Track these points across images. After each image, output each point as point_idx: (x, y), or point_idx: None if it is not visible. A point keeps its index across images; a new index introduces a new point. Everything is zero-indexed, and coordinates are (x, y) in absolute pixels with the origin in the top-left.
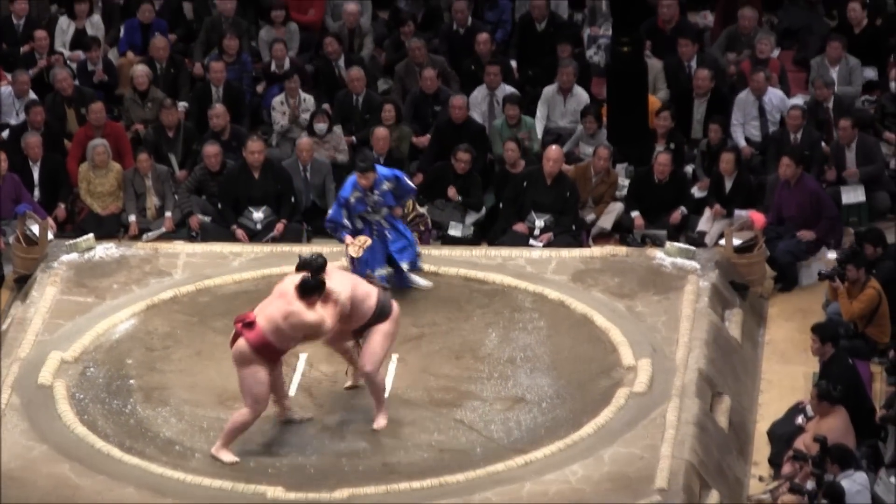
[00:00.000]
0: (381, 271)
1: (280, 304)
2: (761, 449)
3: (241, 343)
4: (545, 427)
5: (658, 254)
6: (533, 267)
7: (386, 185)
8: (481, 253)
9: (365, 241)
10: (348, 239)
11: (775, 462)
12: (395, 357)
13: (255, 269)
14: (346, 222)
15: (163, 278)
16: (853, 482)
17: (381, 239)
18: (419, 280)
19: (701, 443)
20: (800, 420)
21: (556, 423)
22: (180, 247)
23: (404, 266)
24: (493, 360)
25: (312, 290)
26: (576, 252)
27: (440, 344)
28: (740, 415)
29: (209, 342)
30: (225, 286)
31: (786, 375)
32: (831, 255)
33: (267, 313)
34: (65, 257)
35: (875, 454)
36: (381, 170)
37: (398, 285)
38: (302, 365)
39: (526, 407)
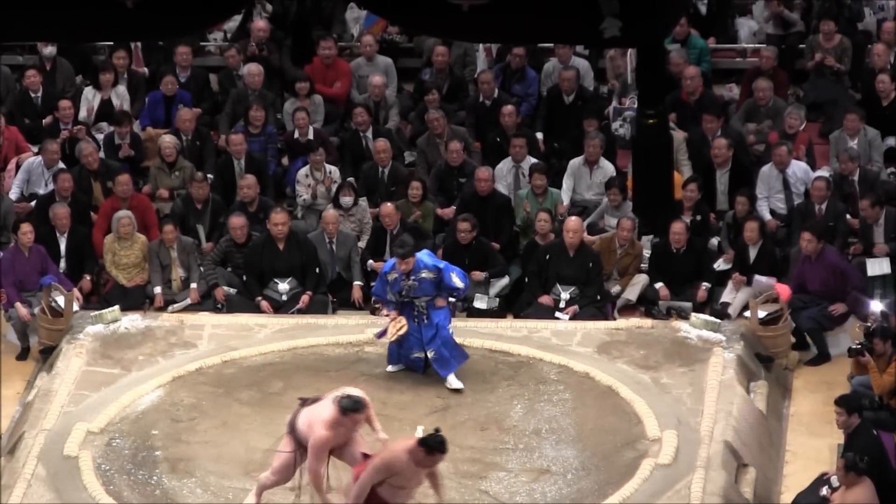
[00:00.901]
0: (418, 354)
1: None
2: None
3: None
4: (570, 499)
5: (683, 326)
6: (558, 339)
7: (425, 274)
8: (507, 325)
9: (402, 327)
10: (393, 314)
11: None
12: (420, 428)
13: (280, 340)
14: (390, 297)
15: (188, 350)
16: None
17: (419, 324)
18: (453, 380)
19: None
20: (824, 491)
21: (582, 494)
22: (206, 318)
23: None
24: (518, 432)
25: None
26: (601, 324)
27: (465, 415)
28: (765, 487)
29: (234, 413)
30: (250, 358)
31: (810, 447)
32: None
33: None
34: (90, 329)
35: None
36: (426, 259)
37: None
38: None
39: (551, 478)
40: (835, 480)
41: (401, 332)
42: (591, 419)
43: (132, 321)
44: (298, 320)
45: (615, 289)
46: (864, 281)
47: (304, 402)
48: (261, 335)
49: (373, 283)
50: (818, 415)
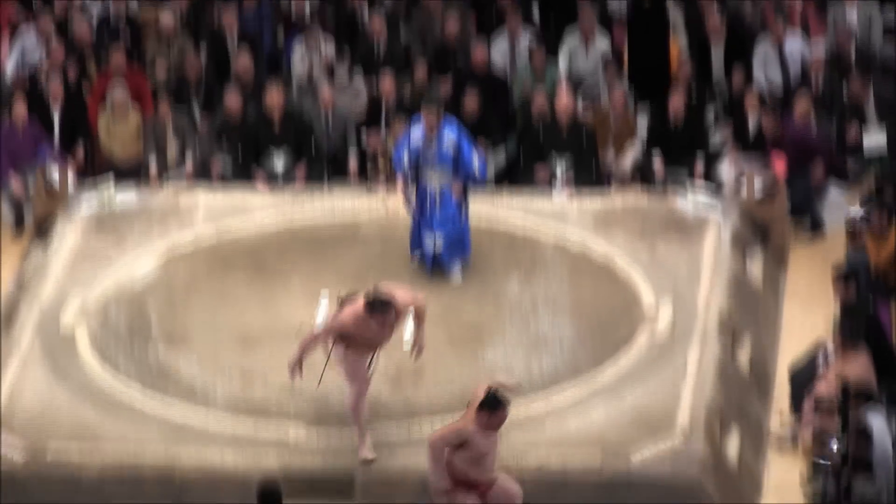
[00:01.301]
0: (428, 242)
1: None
2: (782, 391)
3: None
4: (566, 370)
5: (679, 199)
6: (554, 213)
7: (447, 140)
8: (502, 197)
9: (399, 207)
10: (399, 179)
11: (796, 403)
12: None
13: (275, 215)
14: (406, 164)
15: (183, 224)
16: (876, 421)
17: (431, 213)
18: (455, 273)
19: (722, 385)
20: (821, 362)
21: (577, 366)
22: (200, 194)
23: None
24: (514, 304)
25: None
26: (597, 198)
27: (461, 288)
28: (761, 357)
29: (230, 286)
30: (246, 232)
31: (806, 320)
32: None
33: None
34: (85, 205)
35: (895, 394)
36: (453, 128)
37: (436, 264)
38: (325, 307)
39: (547, 350)
40: (831, 351)
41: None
42: (587, 291)
43: (127, 197)
44: (294, 195)
45: (610, 161)
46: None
47: (344, 301)
48: (256, 209)
49: (367, 157)
50: (814, 287)
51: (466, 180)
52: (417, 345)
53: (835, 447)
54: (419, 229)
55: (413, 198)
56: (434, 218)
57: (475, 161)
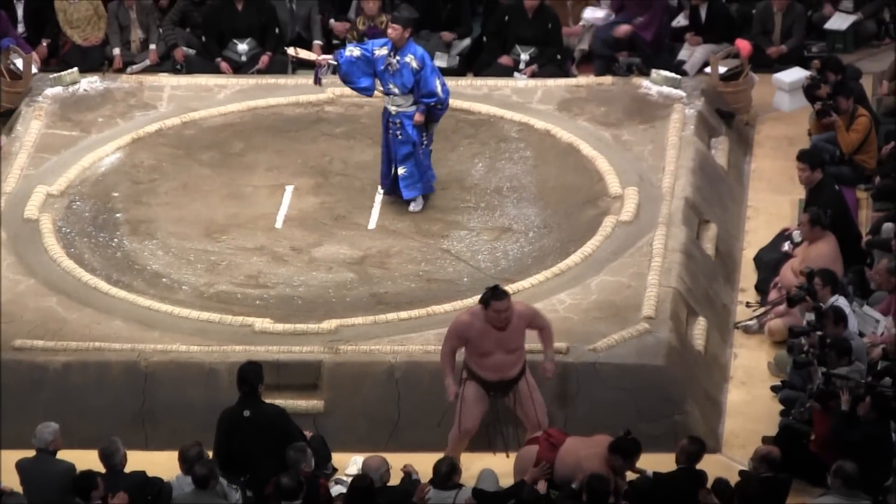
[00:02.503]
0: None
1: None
2: (748, 276)
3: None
4: (532, 256)
5: (644, 82)
6: (519, 96)
7: (410, 59)
8: (467, 83)
9: (329, 56)
10: (322, 59)
11: (762, 289)
12: (380, 188)
13: (240, 101)
14: (348, 54)
15: (148, 111)
16: (842, 306)
17: (393, 139)
18: (414, 204)
19: (688, 270)
20: (786, 247)
21: (543, 252)
22: (165, 80)
23: (401, 171)
24: (479, 191)
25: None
26: (561, 81)
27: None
28: (727, 242)
29: (195, 175)
30: (210, 119)
31: (772, 203)
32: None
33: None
34: (49, 91)
35: (861, 280)
36: (419, 48)
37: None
38: (289, 197)
39: (513, 237)
40: (797, 235)
41: (322, 60)
42: (552, 177)
43: (91, 83)
44: (258, 80)
45: (572, 41)
46: None
47: None
48: (220, 96)
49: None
50: (779, 171)
51: (428, 108)
52: (546, 364)
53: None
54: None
55: (322, 82)
56: (395, 146)
57: (437, 84)
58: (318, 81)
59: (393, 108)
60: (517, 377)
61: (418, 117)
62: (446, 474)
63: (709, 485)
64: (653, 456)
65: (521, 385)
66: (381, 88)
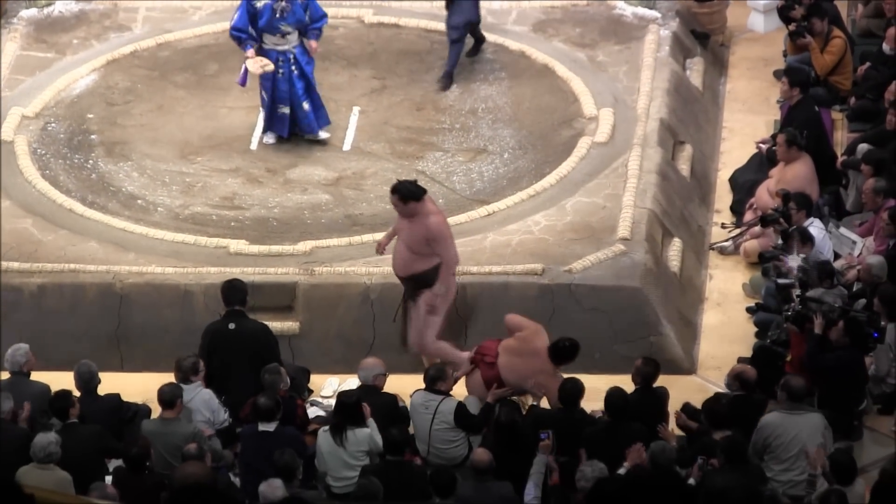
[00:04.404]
0: (284, 109)
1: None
2: (723, 197)
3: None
4: (507, 178)
5: (619, 3)
6: (493, 17)
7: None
8: (441, 4)
9: (267, 64)
10: (250, 52)
11: (737, 209)
12: (356, 109)
13: (214, 22)
14: (252, 32)
15: (123, 33)
16: (816, 228)
17: (288, 77)
18: (322, 132)
19: (663, 192)
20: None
21: (518, 173)
22: (140, 1)
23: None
24: (454, 112)
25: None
26: (536, 2)
27: (401, 95)
28: (702, 163)
29: (170, 97)
30: (185, 40)
31: (747, 124)
32: None
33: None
34: (24, 13)
35: (836, 201)
36: None
37: (298, 131)
38: (262, 119)
39: (488, 158)
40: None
41: (267, 69)
42: (527, 98)
43: (66, 5)
44: (233, 2)
45: None
46: None
47: None
48: (195, 17)
49: None
50: (754, 91)
51: (314, 22)
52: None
53: (791, 263)
54: (272, 105)
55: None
56: (294, 83)
57: (318, 9)
58: (243, 82)
59: (284, 48)
60: (411, 285)
61: (314, 44)
62: (432, 378)
63: (669, 406)
64: (628, 377)
65: (418, 300)
66: (267, 42)
